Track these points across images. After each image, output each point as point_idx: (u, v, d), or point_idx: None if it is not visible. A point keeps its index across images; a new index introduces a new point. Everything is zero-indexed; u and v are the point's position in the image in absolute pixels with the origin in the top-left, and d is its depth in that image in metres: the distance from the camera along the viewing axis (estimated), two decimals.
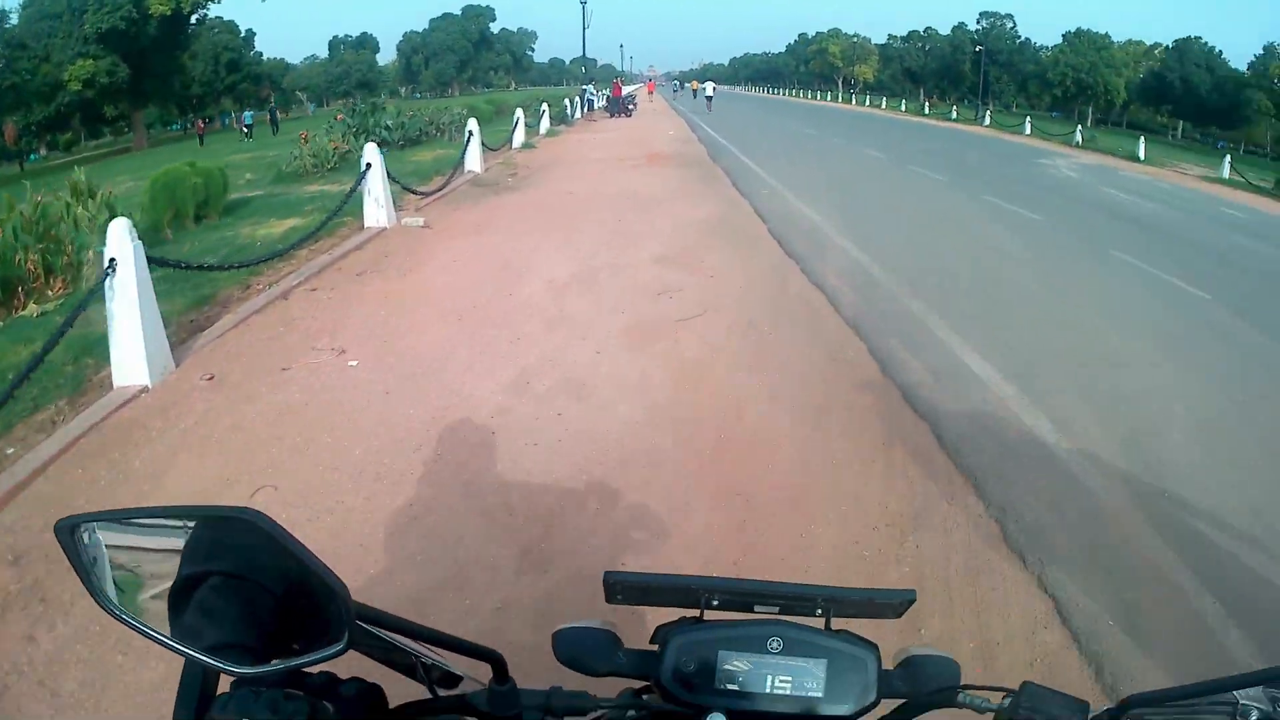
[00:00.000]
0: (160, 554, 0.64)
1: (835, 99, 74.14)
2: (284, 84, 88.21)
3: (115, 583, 0.63)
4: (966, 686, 0.75)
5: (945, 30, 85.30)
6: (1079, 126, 29.45)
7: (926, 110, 49.42)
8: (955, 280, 7.24)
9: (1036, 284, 7.35)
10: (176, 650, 0.60)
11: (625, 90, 35.38)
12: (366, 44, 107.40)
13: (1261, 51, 49.82)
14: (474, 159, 13.62)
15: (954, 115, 42.85)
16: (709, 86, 44.40)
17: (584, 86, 33.77)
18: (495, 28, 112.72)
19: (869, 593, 0.76)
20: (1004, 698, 0.73)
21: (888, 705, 0.75)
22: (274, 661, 0.62)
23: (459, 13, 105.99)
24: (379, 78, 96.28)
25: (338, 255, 7.50)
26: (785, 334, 5.51)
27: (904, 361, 5.04)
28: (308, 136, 15.05)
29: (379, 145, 17.41)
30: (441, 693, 0.74)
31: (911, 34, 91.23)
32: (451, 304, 6.01)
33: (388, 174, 9.10)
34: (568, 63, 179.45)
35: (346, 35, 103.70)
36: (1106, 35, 63.36)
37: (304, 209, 9.48)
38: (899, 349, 5.25)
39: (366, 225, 8.72)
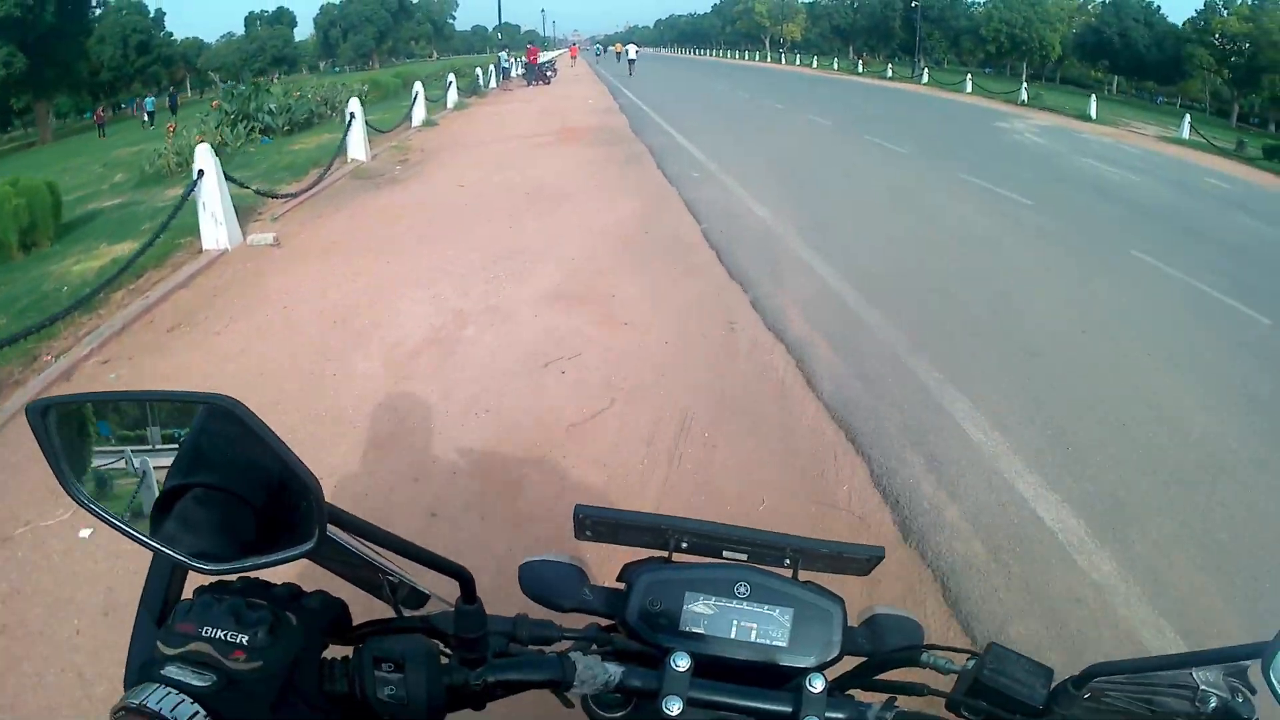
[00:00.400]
0: (136, 446, 0.63)
1: (764, 59, 71.78)
2: (199, 64, 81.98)
3: (89, 471, 0.62)
4: (930, 646, 0.75)
5: None
6: (1024, 84, 27.93)
7: (860, 69, 47.05)
8: (990, 331, 5.00)
9: (1113, 344, 4.92)
10: (147, 545, 0.59)
11: (545, 56, 32.63)
12: (283, 18, 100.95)
13: (1202, 6, 48.96)
14: (358, 145, 11.16)
15: (889, 74, 40.74)
16: (630, 49, 42.00)
17: (499, 54, 30.70)
18: None
19: (838, 546, 0.76)
20: (968, 659, 0.71)
21: (851, 662, 0.75)
22: (238, 560, 0.59)
23: None
24: (296, 53, 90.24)
25: (157, 298, 5.44)
26: (739, 452, 3.42)
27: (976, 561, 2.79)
28: (175, 129, 12.37)
29: (263, 133, 15.00)
30: (406, 613, 0.74)
31: None
32: (251, 398, 3.74)
33: (236, 180, 7.03)
34: (490, 30, 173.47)
35: (263, 10, 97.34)
36: None
37: (143, 227, 7.13)
38: (944, 503, 3.10)
39: (205, 248, 6.58)
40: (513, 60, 31.34)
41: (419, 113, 16.16)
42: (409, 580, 0.74)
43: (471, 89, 24.73)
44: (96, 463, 0.62)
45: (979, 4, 74.57)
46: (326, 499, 0.57)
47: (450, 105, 20.08)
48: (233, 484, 0.60)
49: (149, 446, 0.62)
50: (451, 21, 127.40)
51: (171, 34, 65.63)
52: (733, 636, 0.71)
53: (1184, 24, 51.90)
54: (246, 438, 0.56)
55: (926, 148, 12.94)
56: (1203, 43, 50.47)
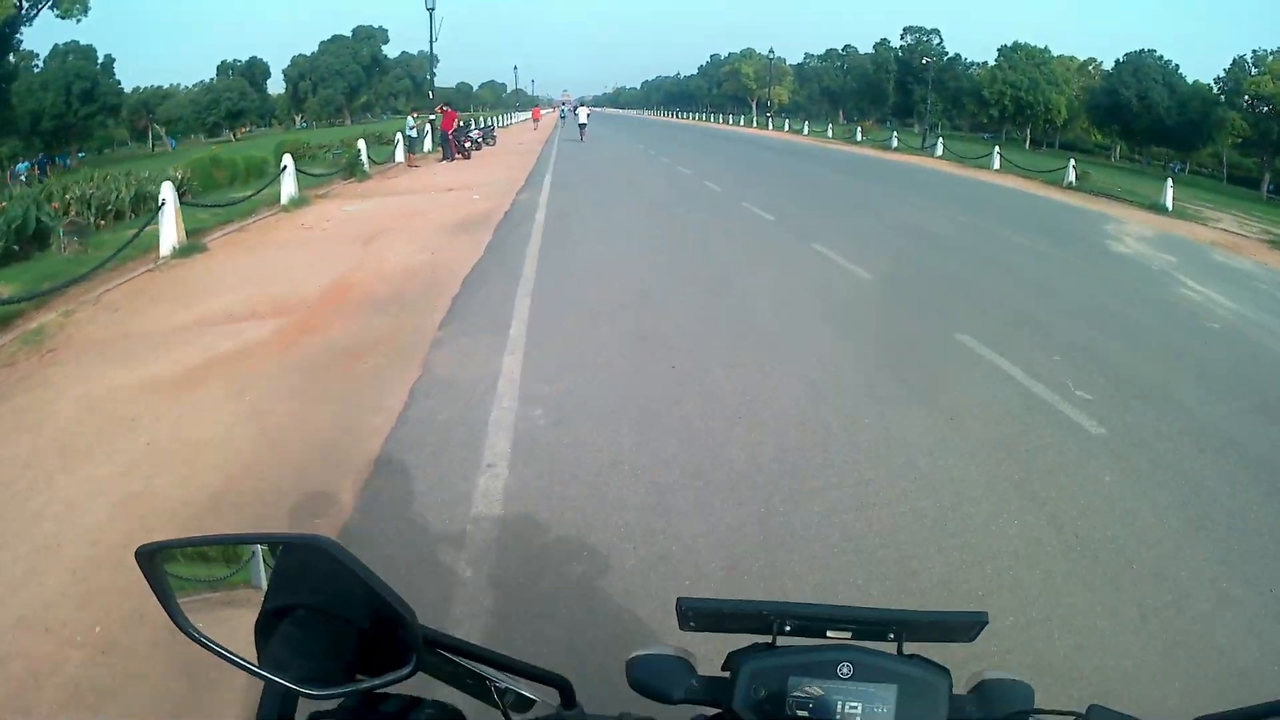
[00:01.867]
0: (238, 580, 0.68)
1: (751, 123, 66.51)
2: (159, 114, 76.14)
3: (195, 607, 0.65)
4: (1039, 711, 0.75)
5: (865, 48, 79.35)
6: (1070, 163, 21.86)
7: (859, 137, 40.76)
8: None
9: None
10: (258, 675, 0.63)
11: (518, 118, 26.61)
12: (255, 69, 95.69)
13: (1229, 65, 43.89)
14: None
15: (894, 143, 34.49)
16: (581, 113, 36.80)
17: (408, 119, 24.25)
18: (392, 51, 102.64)
19: (941, 615, 0.76)
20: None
21: None
22: (343, 686, 0.64)
23: (350, 34, 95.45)
24: (265, 106, 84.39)
25: None
26: None
27: None
28: None
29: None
30: (515, 717, 0.76)
31: (829, 52, 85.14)
32: None
33: None
34: (475, 88, 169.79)
35: (235, 60, 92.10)
36: (1046, 50, 57.40)
37: None
38: None
39: None
40: (423, 126, 24.94)
41: (167, 232, 9.50)
42: (515, 686, 0.75)
43: (350, 166, 18.37)
44: (205, 599, 0.66)
45: (976, 64, 70.12)
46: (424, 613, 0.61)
47: (285, 199, 13.58)
48: (333, 605, 0.64)
49: (253, 583, 0.66)
50: (431, 78, 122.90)
51: (119, 82, 59.95)
52: (839, 716, 0.70)
53: (1212, 84, 46.61)
54: (342, 572, 0.60)
55: (1080, 357, 5.99)
56: (1232, 105, 45.19)
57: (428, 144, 24.80)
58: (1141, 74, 50.49)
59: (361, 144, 19.67)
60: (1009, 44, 58.42)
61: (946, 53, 73.85)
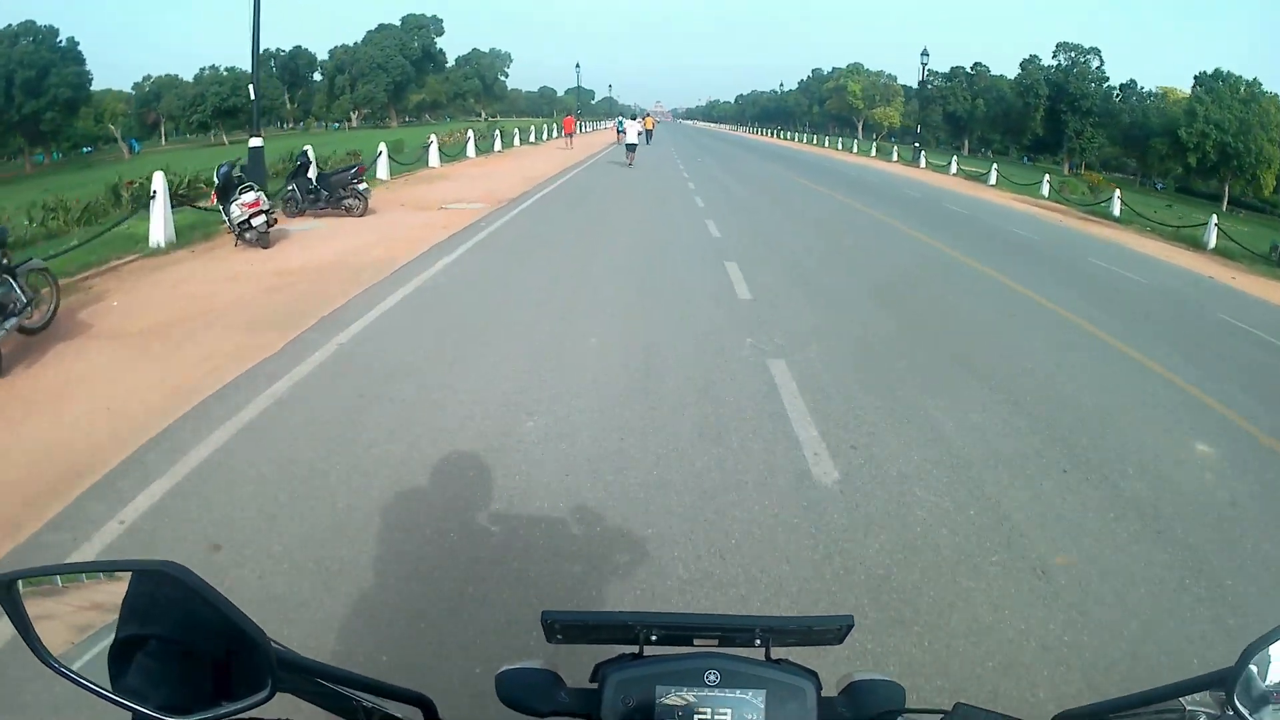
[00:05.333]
0: (95, 609, 0.67)
1: (851, 148, 53.92)
2: (159, 109, 67.99)
3: (54, 635, 0.65)
4: (909, 710, 0.76)
5: (997, 69, 65.89)
6: None
7: (1046, 190, 24.18)
8: None
9: None
10: (121, 705, 0.63)
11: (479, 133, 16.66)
12: (300, 58, 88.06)
13: None
14: None
15: (1114, 209, 20.08)
16: (632, 128, 25.71)
17: (221, 165, 9.65)
18: (464, 47, 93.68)
19: (807, 620, 0.76)
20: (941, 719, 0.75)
21: None
22: (202, 712, 0.63)
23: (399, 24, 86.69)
24: (277, 102, 74.70)
25: None
26: None
27: None
28: None
29: None
30: None
31: (955, 71, 71.86)
32: None
33: None
34: (560, 93, 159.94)
35: (279, 50, 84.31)
36: (1256, 83, 42.91)
37: None
38: None
39: None
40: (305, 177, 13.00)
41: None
42: (381, 707, 0.76)
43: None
44: (64, 627, 0.66)
45: (1147, 94, 56.20)
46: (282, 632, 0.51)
47: None
48: (184, 636, 0.64)
49: (112, 612, 0.65)
50: (503, 79, 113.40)
51: (86, 73, 51.50)
52: None
53: None
54: (194, 598, 0.62)
55: None
56: None
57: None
58: None
59: None
60: (1207, 71, 44.10)
61: (1106, 77, 59.93)
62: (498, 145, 29.78)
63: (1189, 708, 0.65)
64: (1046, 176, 23.59)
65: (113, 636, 0.65)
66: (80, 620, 0.67)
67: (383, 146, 18.19)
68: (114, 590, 0.66)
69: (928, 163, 36.17)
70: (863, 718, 0.74)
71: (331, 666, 0.69)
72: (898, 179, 28.22)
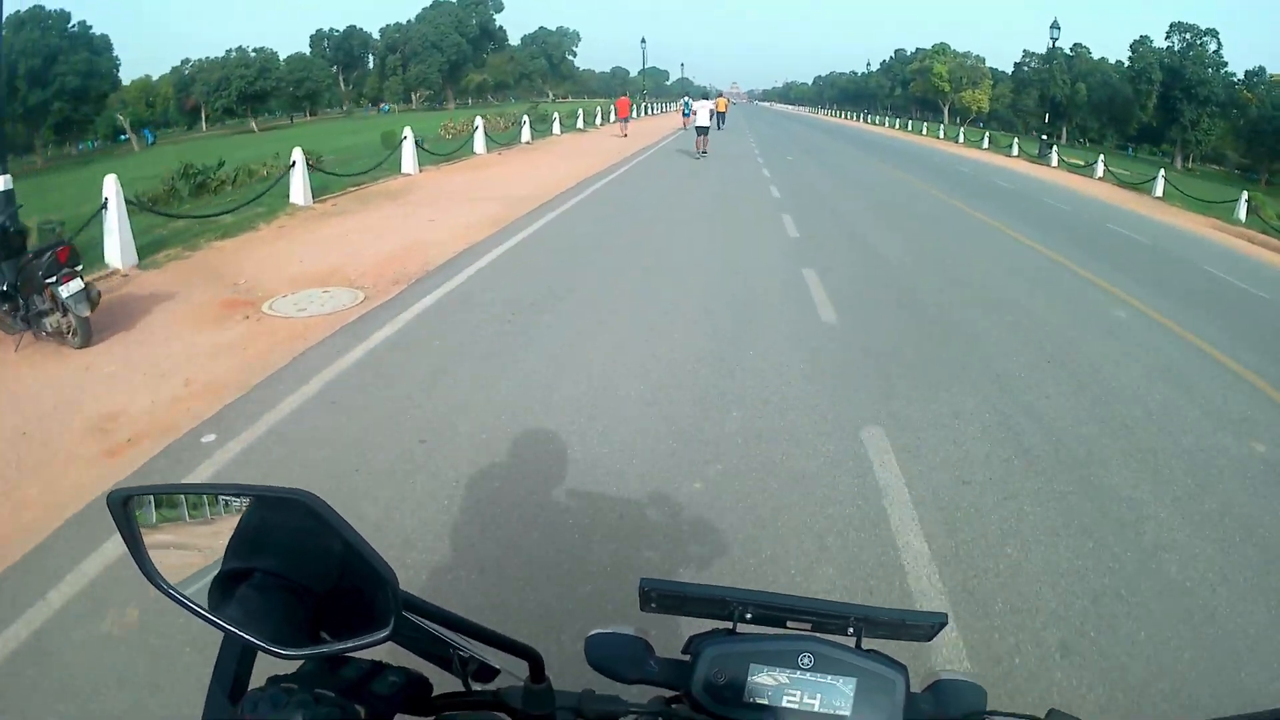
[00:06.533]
0: (211, 532, 0.65)
1: (938, 134, 50.12)
2: (194, 93, 66.22)
3: (164, 557, 0.64)
4: (993, 712, 0.75)
5: (1098, 51, 60.74)
6: None
7: (1243, 213, 17.85)
8: None
9: None
10: (223, 628, 0.61)
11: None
12: (354, 38, 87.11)
13: None
14: None
15: None
16: (703, 108, 22.63)
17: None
18: (529, 25, 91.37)
19: (901, 613, 0.75)
20: None
21: None
22: (316, 646, 0.63)
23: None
24: (312, 83, 70.32)
25: None
26: None
27: None
28: None
29: None
30: (477, 686, 0.75)
31: (1053, 52, 66.81)
32: None
33: None
34: (632, 74, 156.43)
35: (331, 29, 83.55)
36: None
37: None
38: None
39: None
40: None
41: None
42: (479, 655, 0.75)
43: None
44: (175, 549, 0.64)
45: (1276, 81, 50.87)
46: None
47: None
48: (293, 572, 0.63)
49: (225, 536, 0.64)
50: (571, 58, 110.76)
51: (116, 59, 51.04)
52: (797, 708, 0.70)
53: None
54: (322, 530, 0.59)
55: None
56: None
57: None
58: None
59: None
60: None
61: (1225, 62, 54.52)
62: (525, 135, 24.09)
63: None
64: (1245, 194, 18.73)
65: (219, 564, 0.63)
66: (193, 543, 0.64)
67: (297, 153, 11.32)
68: (229, 520, 0.64)
69: (1060, 160, 29.20)
70: (946, 717, 0.73)
71: (449, 611, 0.68)
72: (1029, 181, 22.67)
